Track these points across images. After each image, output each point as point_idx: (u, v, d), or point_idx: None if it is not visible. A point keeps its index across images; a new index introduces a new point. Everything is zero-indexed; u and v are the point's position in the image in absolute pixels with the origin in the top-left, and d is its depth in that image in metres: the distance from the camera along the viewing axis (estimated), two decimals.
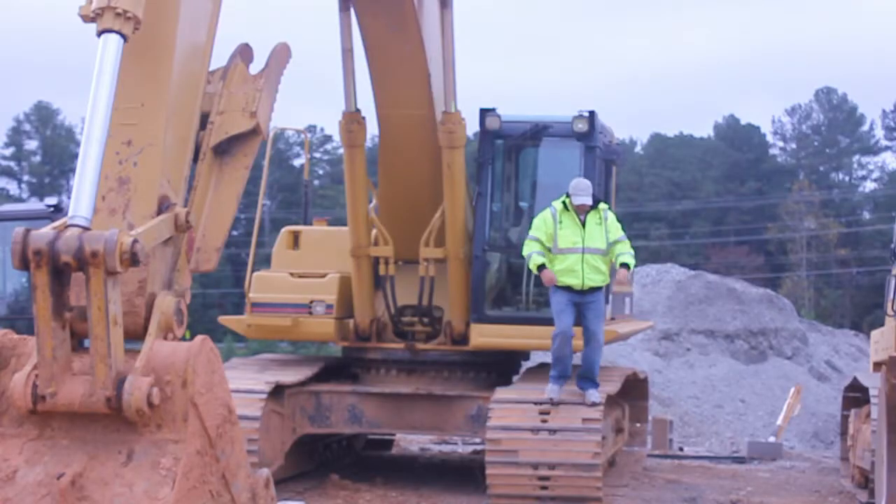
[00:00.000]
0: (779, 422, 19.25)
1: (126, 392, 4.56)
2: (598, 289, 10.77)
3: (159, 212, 5.17)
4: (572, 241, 10.56)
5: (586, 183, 10.70)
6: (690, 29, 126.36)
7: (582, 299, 10.68)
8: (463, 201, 11.77)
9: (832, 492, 13.30)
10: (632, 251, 10.78)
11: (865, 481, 12.06)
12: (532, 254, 10.61)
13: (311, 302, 12.28)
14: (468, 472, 12.78)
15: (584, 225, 10.60)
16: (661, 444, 17.57)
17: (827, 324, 43.48)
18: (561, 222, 10.60)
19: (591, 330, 10.78)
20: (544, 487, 10.56)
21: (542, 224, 10.67)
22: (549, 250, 10.61)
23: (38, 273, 4.51)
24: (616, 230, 10.73)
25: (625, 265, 10.67)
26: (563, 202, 10.66)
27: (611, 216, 10.82)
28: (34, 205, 17.25)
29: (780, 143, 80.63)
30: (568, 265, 10.58)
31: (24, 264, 4.52)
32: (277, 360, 13.12)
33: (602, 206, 10.78)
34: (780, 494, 13.00)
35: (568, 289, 10.63)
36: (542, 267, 10.56)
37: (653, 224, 70.51)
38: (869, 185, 79.79)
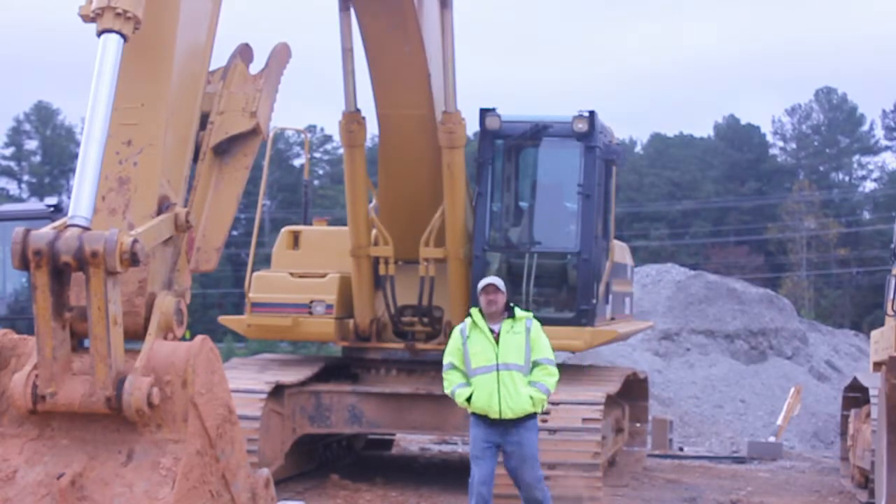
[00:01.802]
0: (779, 422, 19.27)
1: (126, 392, 4.56)
2: (526, 419, 8.32)
3: (159, 212, 5.17)
4: (484, 358, 8.26)
5: (496, 279, 8.54)
6: (691, 28, 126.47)
7: (504, 434, 8.31)
8: (463, 201, 11.77)
9: (832, 492, 13.30)
10: (549, 383, 8.30)
11: (865, 481, 12.06)
12: (455, 389, 8.39)
13: (311, 302, 12.29)
14: (468, 473, 12.77)
15: (498, 339, 8.28)
16: (661, 444, 17.58)
17: (827, 324, 43.47)
18: (469, 338, 8.36)
19: (524, 480, 8.39)
20: None
21: (452, 345, 8.50)
22: (465, 372, 8.41)
23: (38, 273, 4.51)
24: (543, 348, 8.34)
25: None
26: (472, 317, 8.45)
27: (536, 327, 8.38)
28: (34, 205, 17.25)
29: (780, 143, 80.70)
30: (480, 388, 8.27)
31: (24, 264, 4.52)
32: (277, 360, 13.12)
33: (521, 313, 8.42)
34: (780, 494, 13.01)
35: (484, 417, 8.31)
36: (470, 398, 8.36)
37: (653, 224, 70.56)
38: (869, 185, 79.92)
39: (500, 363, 8.25)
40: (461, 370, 8.40)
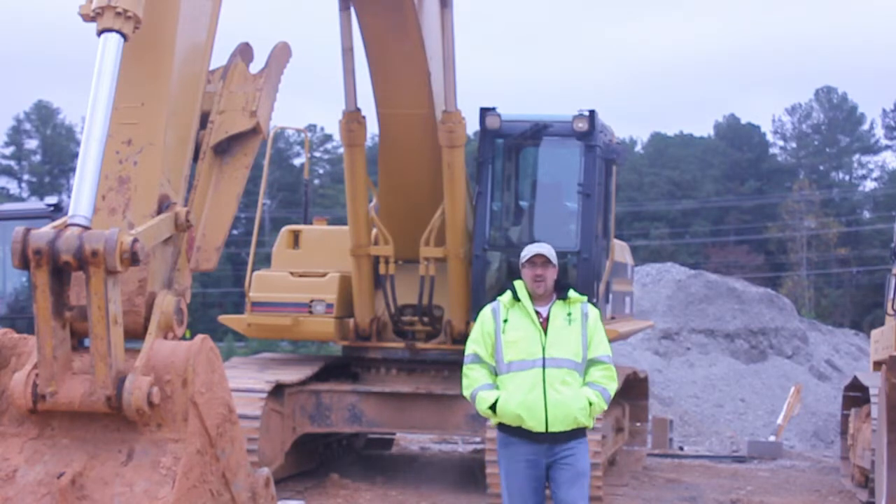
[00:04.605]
0: (779, 421, 19.27)
1: (126, 391, 4.56)
2: (578, 434, 6.36)
3: (159, 211, 5.16)
4: (526, 350, 6.27)
5: (545, 247, 6.55)
6: (691, 28, 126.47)
7: (550, 454, 6.30)
8: (463, 200, 11.77)
9: (832, 491, 13.30)
10: (611, 388, 6.38)
11: (865, 480, 12.06)
12: (476, 391, 6.35)
13: (312, 301, 12.30)
14: (468, 472, 12.79)
15: (545, 325, 6.34)
16: (662, 444, 17.57)
17: (827, 323, 43.49)
18: (506, 321, 6.36)
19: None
20: None
21: (479, 330, 6.46)
22: (494, 370, 6.39)
23: (38, 272, 4.51)
24: (602, 343, 6.40)
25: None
26: (513, 289, 6.46)
27: (595, 316, 6.45)
28: (34, 204, 17.26)
29: (781, 143, 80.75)
30: (515, 390, 6.24)
31: (24, 263, 4.51)
32: (277, 359, 13.13)
33: (576, 296, 6.46)
34: (781, 494, 13.00)
35: (521, 433, 6.28)
36: (496, 406, 6.28)
37: (653, 223, 70.58)
38: (869, 185, 79.99)
39: (547, 357, 6.25)
40: (489, 365, 6.39)
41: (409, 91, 11.09)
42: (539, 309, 6.37)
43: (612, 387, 6.38)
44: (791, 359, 33.54)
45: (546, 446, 6.26)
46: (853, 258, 65.81)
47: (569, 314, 6.36)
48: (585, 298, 6.52)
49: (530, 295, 6.39)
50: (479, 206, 12.08)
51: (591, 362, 6.34)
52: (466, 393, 6.44)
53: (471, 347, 6.47)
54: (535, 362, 6.24)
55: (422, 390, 11.90)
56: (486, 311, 6.49)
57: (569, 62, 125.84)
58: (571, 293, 6.42)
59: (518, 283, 6.44)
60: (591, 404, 6.25)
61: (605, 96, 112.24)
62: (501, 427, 6.35)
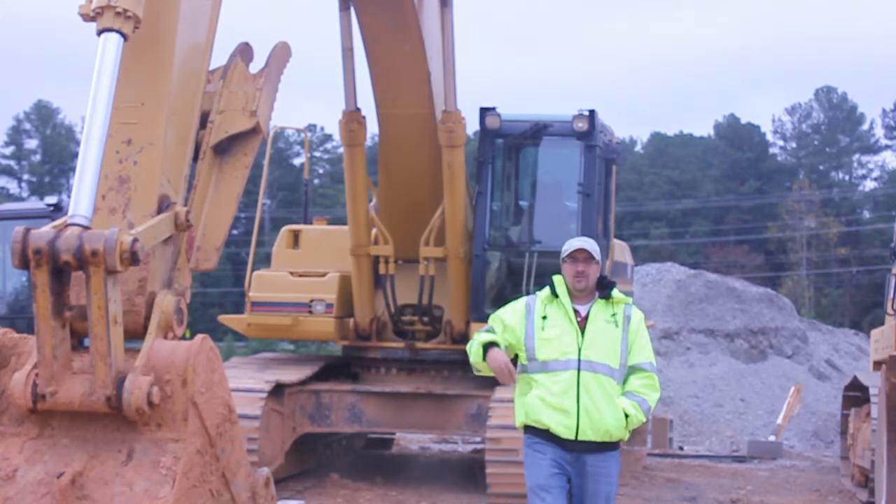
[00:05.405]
0: (779, 421, 19.27)
1: (126, 391, 4.56)
2: (609, 447, 5.95)
3: (159, 211, 5.16)
4: (559, 349, 5.87)
5: (587, 241, 6.11)
6: (691, 27, 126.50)
7: (577, 463, 5.91)
8: (463, 200, 11.77)
9: (832, 491, 13.30)
10: (651, 399, 5.93)
11: (865, 480, 12.06)
12: (475, 340, 6.00)
13: (311, 301, 12.31)
14: (468, 472, 12.80)
15: (584, 325, 5.92)
16: (662, 444, 17.58)
17: (827, 323, 43.46)
18: (545, 318, 5.94)
19: None
20: None
21: (505, 313, 6.10)
22: (525, 368, 5.96)
23: (37, 272, 4.51)
24: (644, 349, 5.97)
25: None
26: (552, 286, 6.05)
27: (638, 319, 6.02)
28: (34, 204, 17.27)
29: (781, 142, 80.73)
30: (548, 392, 5.86)
31: (23, 263, 4.51)
32: (277, 359, 13.14)
33: (619, 296, 6.02)
34: (780, 493, 13.01)
35: (548, 436, 5.91)
36: (489, 347, 5.89)
37: (653, 223, 70.57)
38: (869, 185, 79.92)
39: (582, 360, 5.83)
40: (499, 339, 5.93)
41: (409, 91, 11.09)
42: (578, 307, 5.95)
43: (653, 397, 5.92)
44: (791, 359, 33.52)
45: (573, 455, 5.86)
46: (853, 258, 65.80)
47: (613, 315, 5.93)
48: (630, 300, 6.13)
49: (569, 292, 5.99)
50: (479, 206, 12.08)
51: (632, 369, 5.92)
52: (468, 348, 6.04)
53: (490, 322, 6.08)
54: (569, 363, 5.83)
55: (422, 390, 11.90)
56: (520, 302, 6.11)
57: (569, 61, 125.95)
58: (615, 293, 6.00)
59: (557, 279, 6.04)
60: (627, 416, 5.82)
61: (605, 96, 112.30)
62: (528, 429, 5.98)
